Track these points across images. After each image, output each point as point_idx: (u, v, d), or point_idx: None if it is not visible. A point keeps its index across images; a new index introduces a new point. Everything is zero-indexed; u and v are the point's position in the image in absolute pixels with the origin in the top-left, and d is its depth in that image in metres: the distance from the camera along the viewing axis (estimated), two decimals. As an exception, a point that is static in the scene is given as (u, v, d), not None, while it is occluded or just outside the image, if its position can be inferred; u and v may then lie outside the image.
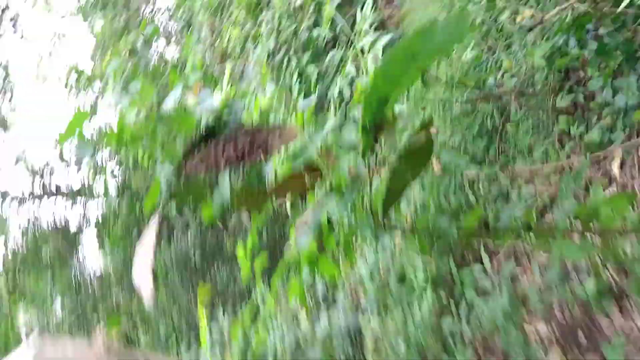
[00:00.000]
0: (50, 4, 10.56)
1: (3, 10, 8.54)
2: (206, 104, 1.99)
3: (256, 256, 2.08)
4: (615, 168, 3.03)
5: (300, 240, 1.61)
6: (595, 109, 2.96)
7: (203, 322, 2.64)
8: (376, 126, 1.28)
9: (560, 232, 1.91)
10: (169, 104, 1.92)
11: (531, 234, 2.03)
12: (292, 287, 1.80)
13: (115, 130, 2.04)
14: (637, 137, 2.85)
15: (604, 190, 2.98)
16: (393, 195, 1.46)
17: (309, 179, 1.49)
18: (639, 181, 2.85)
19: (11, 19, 8.38)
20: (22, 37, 8.67)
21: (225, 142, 1.45)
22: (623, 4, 2.21)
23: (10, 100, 9.74)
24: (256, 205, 1.57)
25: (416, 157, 1.40)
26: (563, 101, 3.13)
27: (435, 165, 4.24)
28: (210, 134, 1.54)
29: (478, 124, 3.66)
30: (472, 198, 3.67)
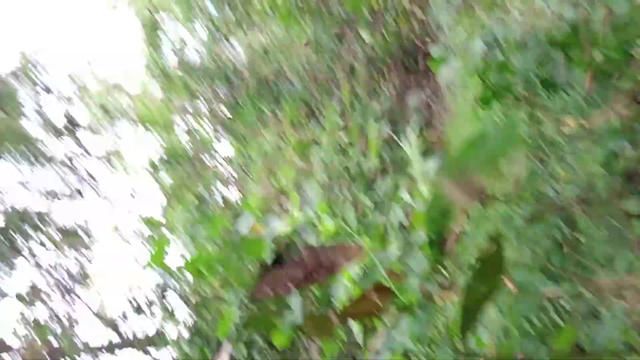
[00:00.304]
0: (125, 164, 11.77)
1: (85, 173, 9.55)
2: (273, 228, 2.03)
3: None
4: None
5: None
6: (672, 211, 2.71)
7: None
8: (441, 240, 1.23)
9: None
10: (240, 229, 1.98)
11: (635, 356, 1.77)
12: None
13: (192, 259, 2.10)
14: None
15: None
16: (470, 314, 1.35)
17: (378, 299, 1.42)
18: None
19: (90, 181, 9.31)
20: (100, 196, 9.53)
21: (292, 264, 1.44)
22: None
23: (90, 258, 10.43)
24: (326, 330, 1.49)
25: (488, 271, 1.32)
26: (634, 205, 2.91)
27: (510, 285, 3.93)
28: (279, 257, 1.54)
29: (546, 238, 3.44)
30: (556, 318, 3.32)
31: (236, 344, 7.94)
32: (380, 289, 1.44)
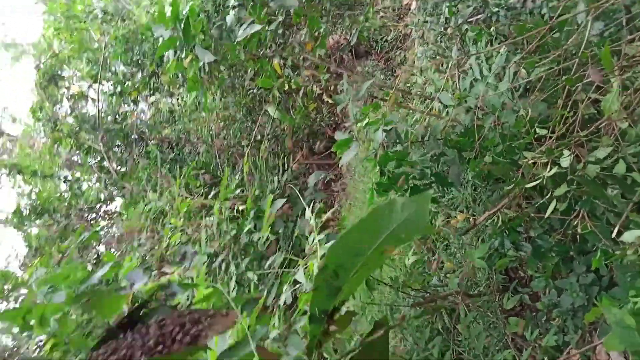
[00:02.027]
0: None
1: None
2: (137, 284, 1.69)
3: None
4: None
5: None
6: (543, 310, 2.90)
7: None
8: (327, 317, 1.09)
9: None
10: (94, 282, 1.62)
11: None
12: None
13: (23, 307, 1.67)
14: (592, 338, 2.76)
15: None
16: None
17: None
18: (605, 388, 2.65)
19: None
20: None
21: (149, 327, 1.17)
22: (548, 212, 2.33)
23: None
24: None
25: (371, 358, 1.19)
26: (510, 302, 3.08)
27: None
28: (136, 318, 1.23)
29: (428, 328, 3.50)
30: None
31: None
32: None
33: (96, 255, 9.36)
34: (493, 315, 3.19)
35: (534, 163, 2.40)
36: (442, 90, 3.12)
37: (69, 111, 8.58)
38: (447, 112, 3.25)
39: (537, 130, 2.43)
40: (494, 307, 3.21)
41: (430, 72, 4.46)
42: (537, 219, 2.81)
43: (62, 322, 1.64)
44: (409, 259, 3.13)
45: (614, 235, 2.29)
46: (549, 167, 2.29)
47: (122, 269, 1.89)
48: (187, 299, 2.60)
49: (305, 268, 2.32)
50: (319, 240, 2.87)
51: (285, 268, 3.49)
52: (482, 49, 3.55)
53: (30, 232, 9.06)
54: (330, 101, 3.92)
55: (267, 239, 3.38)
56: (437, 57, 4.46)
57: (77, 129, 8.02)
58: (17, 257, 9.91)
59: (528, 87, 2.83)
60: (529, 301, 3.13)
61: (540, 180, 2.31)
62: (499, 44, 3.37)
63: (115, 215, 9.09)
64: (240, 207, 5.09)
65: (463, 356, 3.43)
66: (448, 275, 3.57)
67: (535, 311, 3.05)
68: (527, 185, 2.34)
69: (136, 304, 1.34)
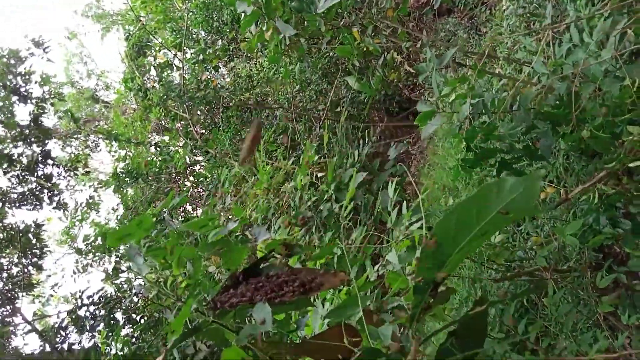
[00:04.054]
0: (90, 175, 11.35)
1: (45, 181, 9.15)
2: (260, 239, 1.85)
3: None
4: (677, 358, 2.70)
5: None
6: (641, 291, 2.74)
7: None
8: (430, 289, 1.12)
9: None
10: (224, 233, 1.78)
11: None
12: None
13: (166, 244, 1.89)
14: (697, 324, 2.58)
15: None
16: None
17: (348, 342, 1.26)
18: None
19: (49, 189, 8.92)
20: (57, 206, 9.13)
21: (267, 278, 1.30)
22: (655, 191, 2.16)
23: (36, 264, 9.88)
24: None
25: (468, 338, 1.22)
26: (604, 281, 2.93)
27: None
28: (256, 270, 1.38)
29: (514, 303, 3.43)
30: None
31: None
32: (349, 329, 1.31)
33: (183, 213, 10.03)
34: (584, 293, 3.07)
35: (640, 139, 2.22)
36: (537, 56, 2.92)
37: (157, 79, 9.05)
38: (539, 79, 3.05)
39: (647, 103, 2.23)
40: (585, 284, 3.08)
41: (520, 31, 4.17)
42: (638, 196, 2.62)
43: (196, 265, 1.84)
44: (495, 237, 3.06)
45: None
46: (657, 144, 2.10)
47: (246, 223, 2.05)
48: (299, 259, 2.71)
49: (396, 245, 2.35)
50: (403, 215, 2.87)
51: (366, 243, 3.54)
52: (581, 7, 3.25)
53: (126, 194, 9.85)
54: (411, 70, 3.81)
55: (350, 212, 3.43)
56: (528, 15, 4.15)
57: (165, 97, 8.45)
58: (115, 216, 10.86)
59: (636, 52, 2.57)
60: (625, 280, 2.96)
61: (647, 159, 2.14)
62: (602, 1, 3.07)
63: (200, 177, 9.60)
64: (319, 175, 5.18)
65: (549, 331, 3.35)
66: (534, 248, 3.45)
67: (632, 291, 2.88)
68: (632, 164, 2.17)
69: (257, 258, 1.47)
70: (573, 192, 3.01)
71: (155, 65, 9.47)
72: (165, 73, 9.39)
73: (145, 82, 8.86)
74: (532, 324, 3.43)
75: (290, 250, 1.52)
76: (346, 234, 3.35)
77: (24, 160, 8.88)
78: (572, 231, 2.87)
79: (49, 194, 8.99)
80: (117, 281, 10.34)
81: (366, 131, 4.98)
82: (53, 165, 9.34)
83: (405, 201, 3.06)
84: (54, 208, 9.40)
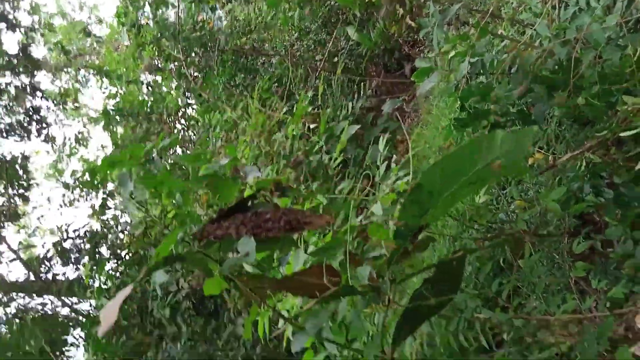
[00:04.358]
0: (80, 110, 11.17)
1: (34, 113, 9.00)
2: (250, 176, 1.88)
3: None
4: (639, 323, 2.83)
5: (295, 344, 1.41)
6: (615, 259, 2.83)
7: None
8: (411, 235, 1.14)
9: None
10: (215, 168, 1.80)
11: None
12: None
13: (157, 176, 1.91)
14: (663, 292, 2.69)
15: (629, 347, 2.75)
16: (412, 322, 1.29)
17: (327, 281, 1.31)
18: (668, 342, 2.62)
19: (37, 122, 8.79)
20: (45, 139, 9.02)
21: (253, 215, 1.32)
22: (641, 162, 2.19)
23: (22, 194, 9.87)
24: (258, 293, 1.38)
25: (444, 284, 1.26)
26: (580, 247, 3.02)
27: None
28: (244, 207, 1.40)
29: (491, 262, 3.53)
30: (483, 341, 3.42)
31: (161, 308, 7.75)
32: (329, 270, 1.35)
33: (173, 156, 9.99)
34: (559, 257, 3.16)
35: (634, 109, 2.22)
36: (541, 18, 2.87)
37: (151, 16, 8.76)
38: (541, 43, 3.01)
39: (644, 73, 2.22)
40: (561, 249, 3.17)
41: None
42: (625, 167, 2.66)
43: (185, 197, 1.87)
44: (479, 197, 3.10)
45: None
46: (649, 115, 2.11)
47: (239, 163, 2.07)
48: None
49: (382, 198, 2.38)
50: (391, 169, 2.89)
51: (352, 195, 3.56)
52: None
53: (116, 132, 9.75)
54: (413, 24, 3.73)
55: (339, 164, 3.44)
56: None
57: (159, 35, 8.21)
58: (104, 154, 10.78)
59: (640, 21, 2.54)
60: (600, 248, 3.05)
61: (638, 130, 2.15)
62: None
63: (192, 121, 9.50)
64: (312, 125, 5.15)
65: (521, 292, 3.47)
66: (517, 212, 3.52)
67: (606, 259, 2.98)
68: (623, 134, 2.19)
69: (246, 196, 1.49)
70: (561, 159, 3.04)
71: (150, 1, 9.15)
72: (160, 11, 9.08)
73: (139, 18, 8.58)
74: (506, 283, 3.56)
75: (280, 189, 1.53)
76: (334, 186, 3.38)
77: (12, 91, 8.69)
78: (555, 197, 2.93)
79: (37, 127, 8.88)
80: (104, 217, 10.39)
81: (362, 84, 4.91)
82: (42, 97, 9.16)
83: (394, 157, 3.07)
84: (42, 141, 9.31)
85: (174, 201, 1.82)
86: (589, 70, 2.47)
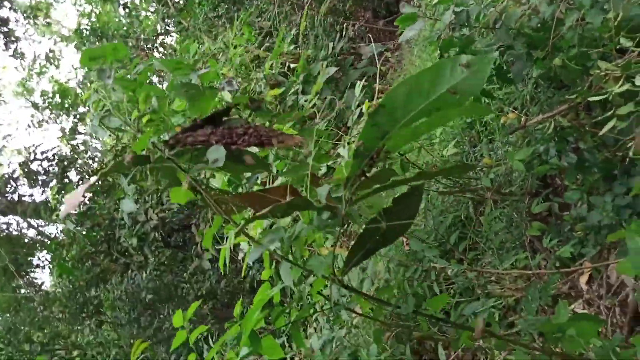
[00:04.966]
0: (52, 27, 10.60)
1: (1, 25, 8.51)
2: (227, 89, 1.86)
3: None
4: (582, 283, 2.98)
5: (251, 256, 1.46)
6: (569, 221, 2.94)
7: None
8: (370, 157, 1.13)
9: (521, 347, 1.81)
10: (194, 78, 1.77)
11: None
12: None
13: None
14: (608, 256, 2.82)
15: (569, 304, 2.91)
16: (365, 247, 1.33)
17: (286, 200, 1.33)
18: (605, 302, 2.78)
19: (5, 34, 8.33)
20: (13, 54, 8.59)
21: (227, 127, 1.32)
22: (605, 129, 2.23)
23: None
24: (225, 210, 1.40)
25: (401, 213, 1.30)
26: (538, 207, 3.12)
27: (406, 247, 4.14)
28: (217, 119, 1.40)
29: (452, 215, 3.62)
30: (436, 288, 3.57)
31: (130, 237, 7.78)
32: (293, 190, 1.36)
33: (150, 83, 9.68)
34: (518, 216, 3.26)
35: (606, 75, 2.23)
36: (529, -26, 2.79)
37: None
38: (529, 0, 2.95)
39: (622, 40, 2.21)
40: (521, 209, 3.26)
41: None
42: (591, 133, 2.70)
43: (161, 103, 1.84)
44: (448, 150, 3.13)
45: (665, 165, 2.21)
46: (621, 82, 2.13)
47: (219, 79, 2.03)
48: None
49: (349, 143, 2.38)
50: (364, 114, 2.87)
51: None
52: None
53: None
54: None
55: (314, 105, 3.40)
56: None
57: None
58: (76, 76, 10.39)
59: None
60: (557, 210, 3.15)
61: (607, 95, 2.17)
62: None
63: (169, 49, 9.16)
64: (292, 65, 5.03)
65: (478, 247, 3.60)
66: (484, 170, 3.58)
67: (561, 221, 3.09)
68: (591, 98, 2.21)
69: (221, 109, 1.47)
70: (532, 121, 3.07)
71: None
72: None
73: None
74: (465, 238, 3.67)
75: (256, 105, 1.51)
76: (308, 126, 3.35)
77: (-23, -3, 8.16)
78: (521, 157, 2.98)
79: (5, 40, 8.42)
80: (74, 142, 10.16)
81: (344, 25, 4.78)
82: (10, 9, 8.64)
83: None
84: (10, 56, 8.87)
85: (149, 107, 1.79)
86: (569, 32, 2.45)
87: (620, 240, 2.67)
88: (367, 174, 1.16)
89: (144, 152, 1.37)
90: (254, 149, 1.52)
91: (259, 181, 1.99)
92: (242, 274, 2.02)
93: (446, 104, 1.02)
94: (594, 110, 2.68)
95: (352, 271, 4.01)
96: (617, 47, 2.27)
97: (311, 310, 1.79)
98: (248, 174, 1.94)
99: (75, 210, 8.13)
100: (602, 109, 2.49)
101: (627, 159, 2.59)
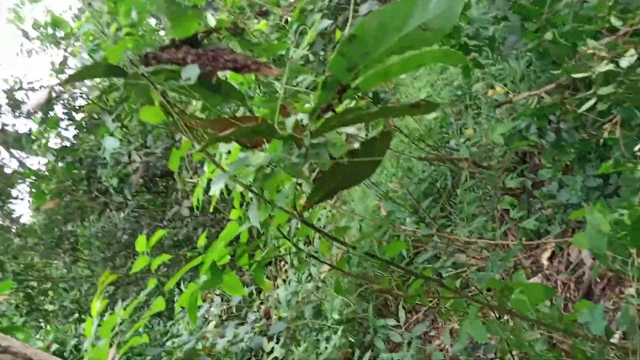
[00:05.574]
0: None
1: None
2: (210, 10, 1.83)
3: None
4: (544, 259, 3.08)
5: (214, 185, 1.46)
6: (539, 198, 3.00)
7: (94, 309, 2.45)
8: (339, 88, 1.11)
9: (475, 308, 1.88)
10: None
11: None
12: (183, 297, 1.64)
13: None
14: (572, 234, 2.91)
15: (528, 278, 3.01)
16: (329, 184, 1.35)
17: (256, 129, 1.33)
18: (563, 277, 2.89)
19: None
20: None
21: (205, 49, 1.31)
22: (584, 107, 2.26)
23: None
24: (197, 136, 1.39)
25: (366, 155, 1.31)
26: (512, 182, 3.18)
27: (383, 211, 4.19)
28: (198, 42, 1.39)
29: (428, 182, 3.67)
30: (404, 251, 3.65)
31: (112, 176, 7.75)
32: (264, 121, 1.36)
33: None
34: (492, 189, 3.32)
35: (593, 54, 2.25)
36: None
37: None
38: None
39: (612, 19, 2.22)
40: (496, 183, 3.32)
41: None
42: (574, 113, 2.74)
43: (141, 16, 1.82)
44: (430, 114, 3.14)
45: (636, 149, 2.26)
46: (605, 61, 2.15)
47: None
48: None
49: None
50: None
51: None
52: None
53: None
54: None
55: (307, 57, 3.36)
56: None
57: None
58: (70, 9, 10.08)
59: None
60: (530, 187, 3.22)
61: (590, 74, 2.19)
62: None
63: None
64: (289, 18, 4.93)
65: (451, 217, 3.67)
66: (466, 141, 3.62)
67: (533, 197, 3.16)
68: (575, 75, 2.23)
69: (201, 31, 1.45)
70: (518, 97, 3.10)
71: None
72: None
73: None
74: (437, 205, 3.74)
75: (238, 30, 1.50)
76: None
77: None
78: (502, 131, 3.02)
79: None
80: (63, 76, 9.94)
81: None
82: None
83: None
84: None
85: (129, 19, 1.76)
86: (565, 9, 2.44)
87: (586, 220, 2.75)
88: (334, 109, 1.16)
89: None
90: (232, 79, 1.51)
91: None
92: (210, 209, 2.04)
93: (418, 42, 1.02)
94: (581, 91, 2.71)
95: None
96: (607, 27, 2.28)
97: (276, 252, 1.82)
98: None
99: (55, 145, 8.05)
100: (588, 88, 2.51)
101: (603, 142, 2.64)
